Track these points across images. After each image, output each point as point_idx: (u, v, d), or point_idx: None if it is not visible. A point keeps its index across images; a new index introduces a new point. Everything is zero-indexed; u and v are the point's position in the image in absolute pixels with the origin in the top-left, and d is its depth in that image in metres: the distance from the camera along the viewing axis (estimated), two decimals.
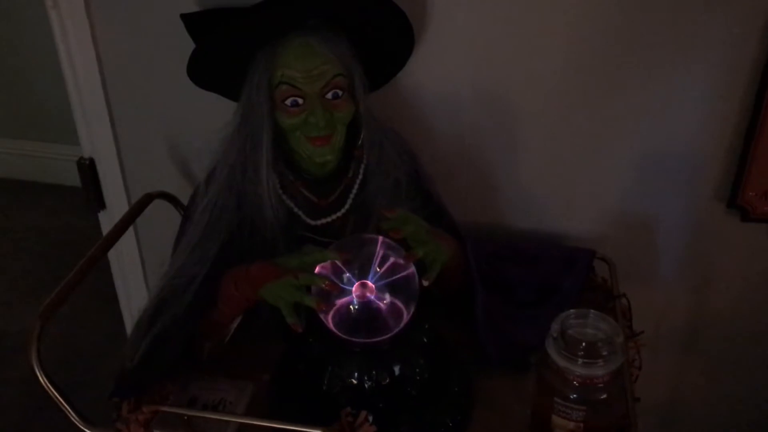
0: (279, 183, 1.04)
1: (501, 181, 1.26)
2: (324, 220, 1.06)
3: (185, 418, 0.89)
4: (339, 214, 1.07)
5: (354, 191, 1.07)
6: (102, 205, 1.45)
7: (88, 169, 1.40)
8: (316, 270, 0.90)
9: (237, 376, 1.01)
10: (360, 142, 1.05)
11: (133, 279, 1.53)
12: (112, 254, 1.50)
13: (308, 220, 1.06)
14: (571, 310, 0.88)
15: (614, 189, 1.24)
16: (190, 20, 1.06)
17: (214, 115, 1.04)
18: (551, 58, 1.13)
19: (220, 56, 1.01)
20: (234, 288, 0.95)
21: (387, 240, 0.92)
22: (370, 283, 0.90)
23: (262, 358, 1.04)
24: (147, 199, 1.26)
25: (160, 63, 1.22)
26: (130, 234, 1.46)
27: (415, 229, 0.93)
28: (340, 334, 0.90)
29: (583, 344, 0.84)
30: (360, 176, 1.08)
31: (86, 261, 1.06)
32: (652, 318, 1.35)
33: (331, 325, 0.90)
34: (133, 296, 1.54)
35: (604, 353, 0.84)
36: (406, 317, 0.92)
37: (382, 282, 0.90)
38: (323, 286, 0.88)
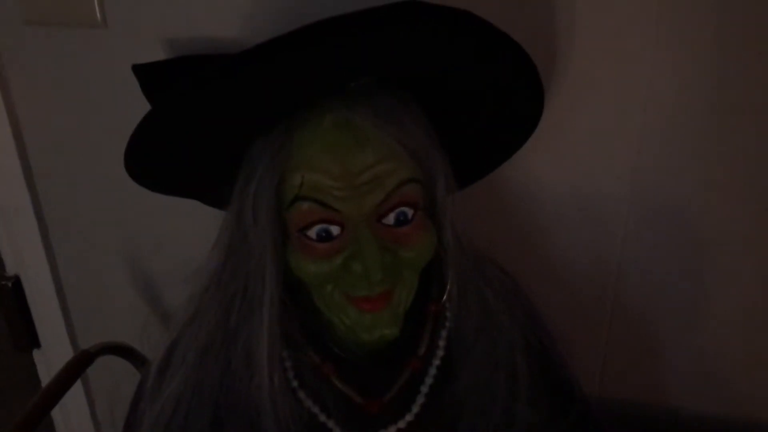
0: (292, 368, 0.58)
1: (665, 345, 0.81)
2: None
3: None
4: (401, 425, 0.58)
5: (428, 383, 0.60)
6: (35, 342, 1.03)
7: (11, 291, 0.99)
8: None
9: None
10: (446, 296, 0.59)
11: None
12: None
13: None
14: None
15: None
16: (144, 74, 0.61)
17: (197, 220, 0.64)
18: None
19: (183, 140, 0.55)
20: None
21: None
22: None
23: None
24: (84, 360, 0.80)
25: (105, 147, 0.77)
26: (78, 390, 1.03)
27: None
28: None
29: None
30: (440, 353, 0.60)
31: None
32: None
33: None
34: None
35: None
36: None
37: None
38: None
